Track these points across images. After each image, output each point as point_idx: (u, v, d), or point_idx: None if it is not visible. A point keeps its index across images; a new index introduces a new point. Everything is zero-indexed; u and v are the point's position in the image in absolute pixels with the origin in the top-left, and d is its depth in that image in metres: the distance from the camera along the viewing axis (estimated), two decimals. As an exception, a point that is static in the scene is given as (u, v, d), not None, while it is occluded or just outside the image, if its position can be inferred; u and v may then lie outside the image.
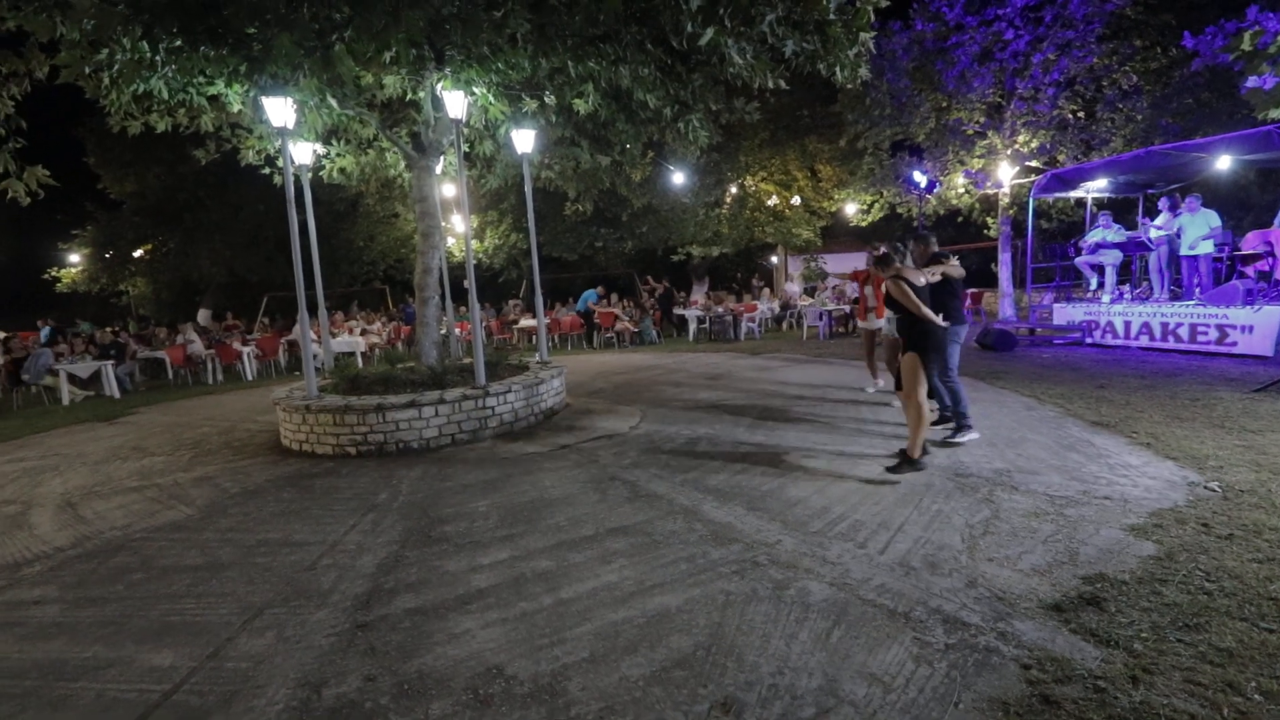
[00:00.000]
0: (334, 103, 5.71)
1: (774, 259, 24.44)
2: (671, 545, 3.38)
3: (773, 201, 19.69)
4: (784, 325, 16.92)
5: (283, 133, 5.58)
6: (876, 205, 16.77)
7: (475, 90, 5.90)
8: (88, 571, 3.53)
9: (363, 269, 22.91)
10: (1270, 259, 8.89)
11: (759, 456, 4.90)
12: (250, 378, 12.35)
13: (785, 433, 5.57)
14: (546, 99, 6.53)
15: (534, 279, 7.79)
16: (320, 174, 8.05)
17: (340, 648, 2.59)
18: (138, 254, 20.75)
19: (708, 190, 18.27)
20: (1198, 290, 9.41)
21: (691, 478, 4.48)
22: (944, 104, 13.00)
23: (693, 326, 15.53)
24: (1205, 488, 3.84)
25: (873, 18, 4.77)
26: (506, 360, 7.57)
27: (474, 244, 19.66)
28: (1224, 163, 9.54)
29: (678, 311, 16.57)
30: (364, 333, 14.60)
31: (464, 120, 6.24)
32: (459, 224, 18.65)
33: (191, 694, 2.35)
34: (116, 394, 10.65)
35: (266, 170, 7.82)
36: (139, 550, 3.79)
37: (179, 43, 4.79)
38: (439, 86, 5.83)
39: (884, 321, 7.14)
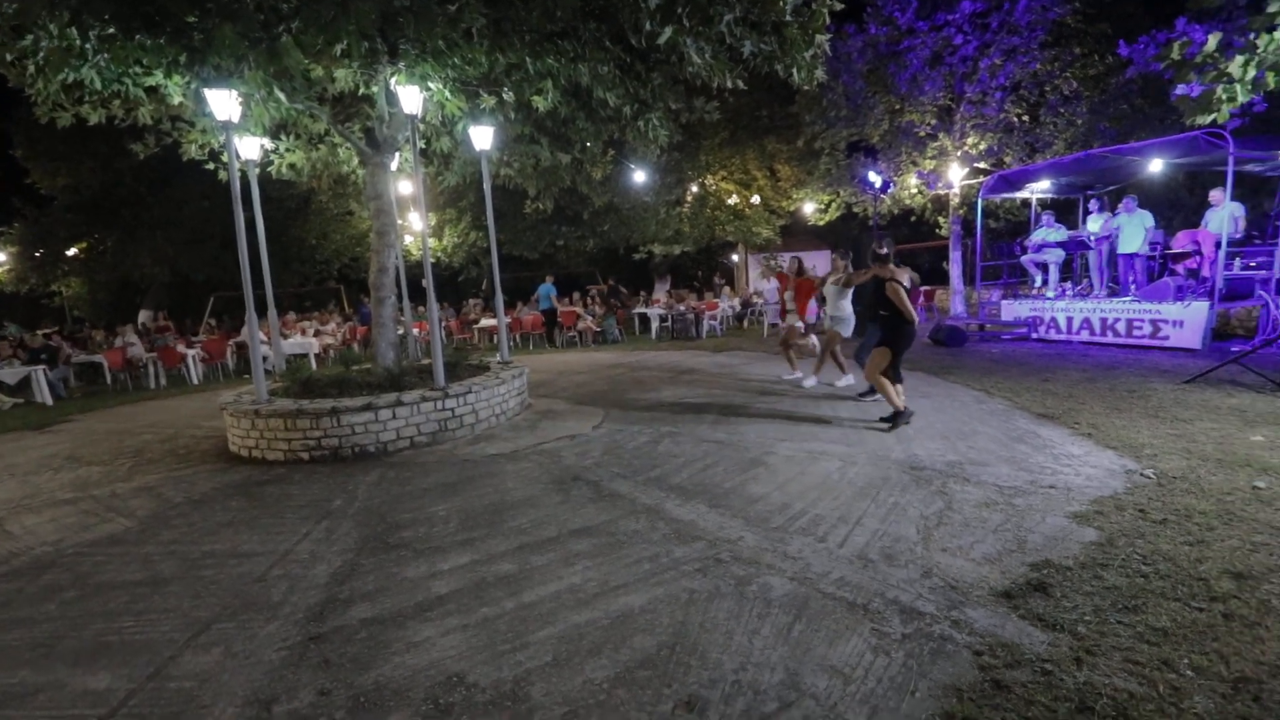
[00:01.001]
0: (282, 96, 5.50)
1: (734, 257, 24.70)
2: (635, 545, 3.38)
3: (733, 200, 19.89)
4: (745, 323, 17.12)
5: (227, 127, 5.35)
6: (833, 205, 17.12)
7: (431, 86, 5.76)
8: (14, 591, 3.32)
9: (315, 268, 22.21)
10: (1198, 258, 9.41)
11: (721, 454, 4.94)
12: (195, 381, 11.85)
13: (747, 430, 5.63)
14: (505, 96, 6.43)
15: (494, 278, 7.68)
16: (269, 169, 7.76)
17: (292, 662, 2.50)
18: (72, 252, 19.65)
19: (669, 189, 18.34)
20: (1133, 287, 9.90)
21: (654, 476, 4.48)
22: (897, 106, 13.34)
23: (655, 325, 15.59)
24: (1142, 475, 4.04)
25: (828, 20, 4.85)
26: (466, 361, 7.45)
27: (432, 242, 19.31)
28: (1156, 166, 10.06)
29: (640, 310, 16.60)
30: (317, 333, 14.16)
31: (420, 116, 6.09)
32: (416, 222, 18.26)
33: (130, 717, 2.23)
34: (49, 400, 10.07)
35: (211, 165, 7.49)
36: (72, 567, 3.58)
37: (111, 30, 4.54)
38: (393, 81, 5.68)
39: (804, 318, 7.75)
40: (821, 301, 7.67)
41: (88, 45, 4.63)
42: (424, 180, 10.98)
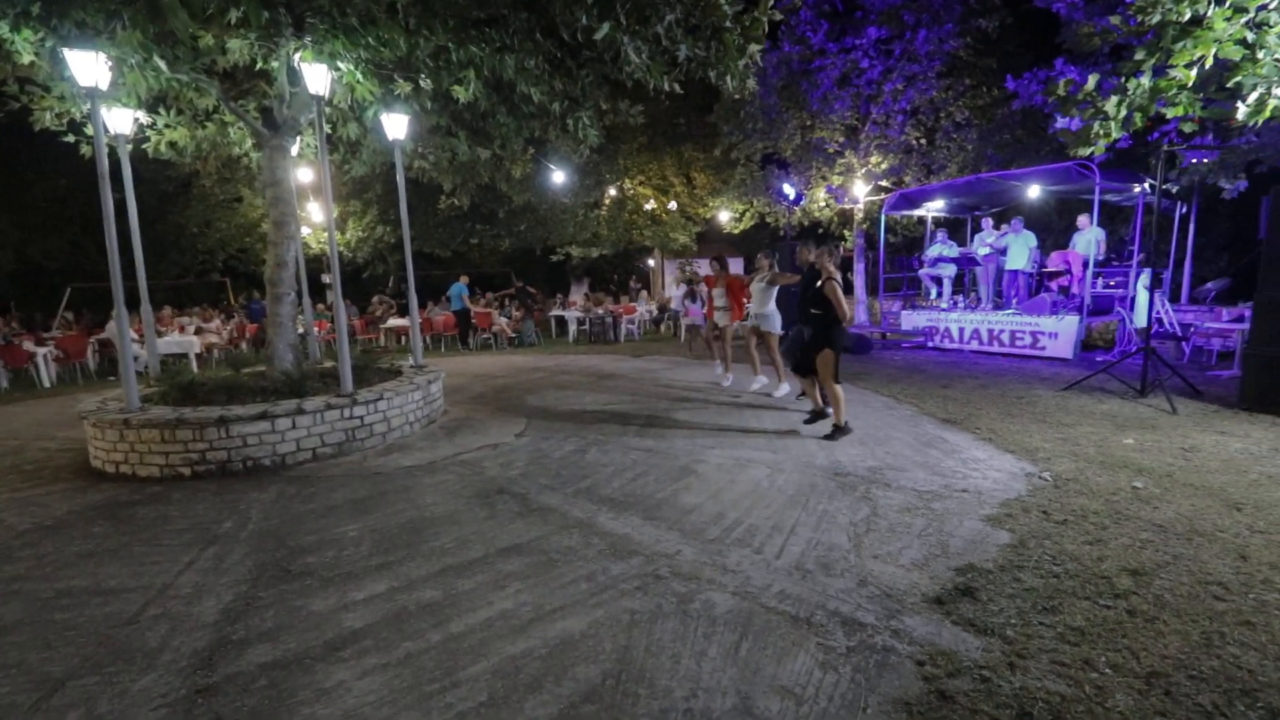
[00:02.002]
0: (162, 64, 4.86)
1: (650, 262, 24.92)
2: (569, 563, 3.21)
3: (650, 205, 20.05)
4: (661, 327, 17.25)
5: (93, 95, 4.65)
6: (748, 214, 17.63)
7: (341, 66, 5.30)
8: None
9: (197, 258, 20.22)
10: (1069, 276, 10.45)
11: (651, 462, 4.85)
12: (48, 384, 10.36)
13: (674, 437, 5.59)
14: (422, 83, 6.05)
15: (408, 275, 7.22)
16: (144, 147, 6.88)
17: (175, 720, 2.14)
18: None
19: (587, 191, 18.21)
20: (1015, 301, 10.84)
21: (584, 487, 4.33)
22: (808, 123, 13.91)
23: (573, 328, 15.38)
24: (1039, 477, 4.34)
25: (766, 29, 4.91)
26: (375, 364, 6.94)
27: (335, 235, 18.06)
28: (1034, 191, 11.08)
29: (558, 313, 16.32)
30: (199, 331, 12.82)
31: (327, 99, 5.61)
32: (316, 213, 17.07)
33: (-43, 807, 1.81)
34: None
35: (71, 138, 6.54)
36: (-122, 614, 2.94)
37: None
38: (297, 57, 5.18)
39: (727, 317, 8.07)
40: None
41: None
42: (329, 169, 10.23)
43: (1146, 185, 9.63)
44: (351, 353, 6.65)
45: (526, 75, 5.79)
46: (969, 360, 9.92)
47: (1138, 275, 9.83)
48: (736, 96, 5.68)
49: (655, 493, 4.19)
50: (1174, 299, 11.09)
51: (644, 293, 20.78)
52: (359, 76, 5.50)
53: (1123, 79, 5.70)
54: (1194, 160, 9.30)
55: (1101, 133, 5.70)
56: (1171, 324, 10.08)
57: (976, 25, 11.89)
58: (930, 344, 11.46)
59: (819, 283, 5.32)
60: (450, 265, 21.39)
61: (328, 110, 6.62)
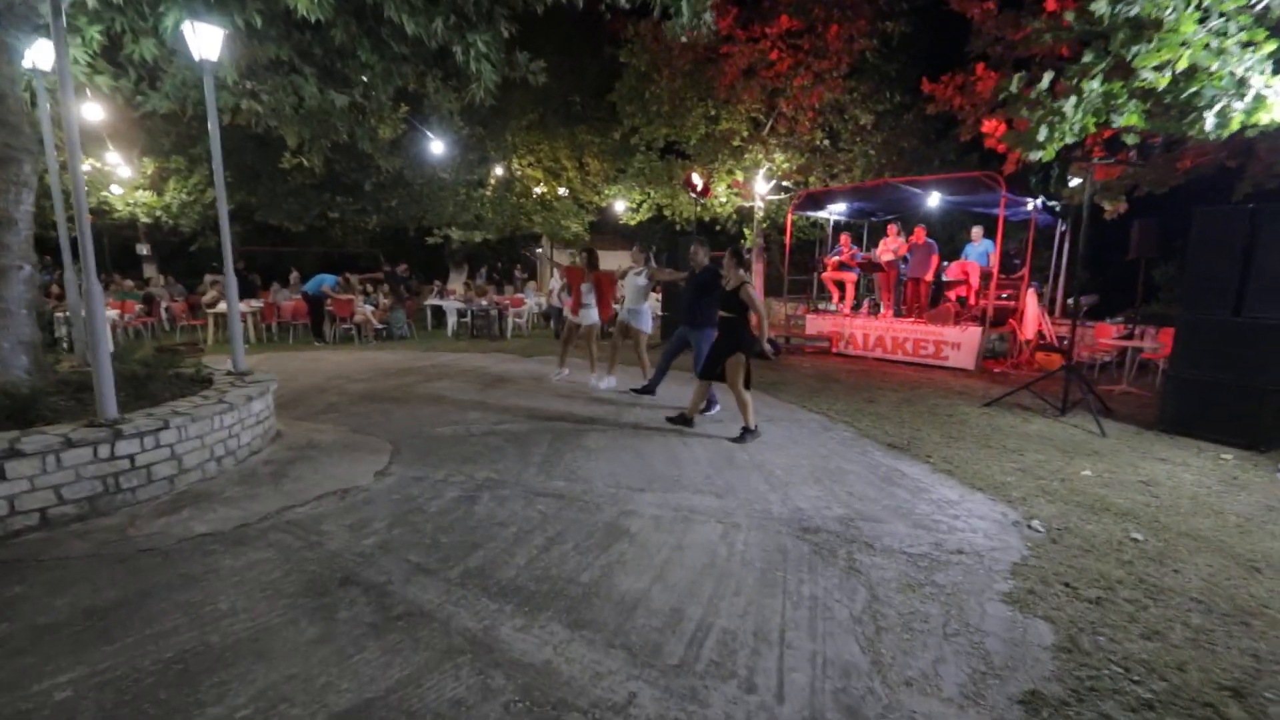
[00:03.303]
0: None
1: (539, 250, 23.36)
2: (458, 739, 1.95)
3: (540, 189, 18.51)
4: (552, 322, 15.87)
5: None
6: (645, 205, 16.71)
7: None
8: None
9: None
10: (966, 286, 10.53)
11: (566, 517, 3.64)
12: None
13: (590, 474, 4.40)
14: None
15: (224, 244, 5.38)
16: None
17: None
18: None
19: (470, 167, 16.33)
20: (916, 310, 10.78)
21: (475, 566, 3.03)
22: (713, 113, 13.20)
23: (452, 320, 13.58)
24: (1030, 528, 3.69)
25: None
26: (176, 368, 5.06)
27: (147, 196, 14.74)
28: (934, 200, 11.08)
29: (434, 302, 14.43)
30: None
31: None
32: (124, 167, 13.83)
33: None
34: None
35: None
36: None
37: None
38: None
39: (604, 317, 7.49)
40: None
41: None
42: (114, 102, 7.77)
43: (1039, 201, 9.84)
44: (134, 354, 4.80)
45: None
46: (877, 369, 9.63)
47: (1028, 288, 10.06)
48: (684, 37, 4.59)
49: (579, 573, 2.99)
50: (1049, 312, 11.61)
51: (531, 283, 19.21)
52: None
53: (1075, 81, 5.29)
54: (1075, 183, 9.60)
55: (1057, 136, 5.28)
56: (1050, 337, 10.48)
57: (884, 27, 11.73)
58: (834, 350, 11.16)
59: (735, 287, 5.18)
60: (304, 241, 18.52)
61: (98, 8, 4.63)
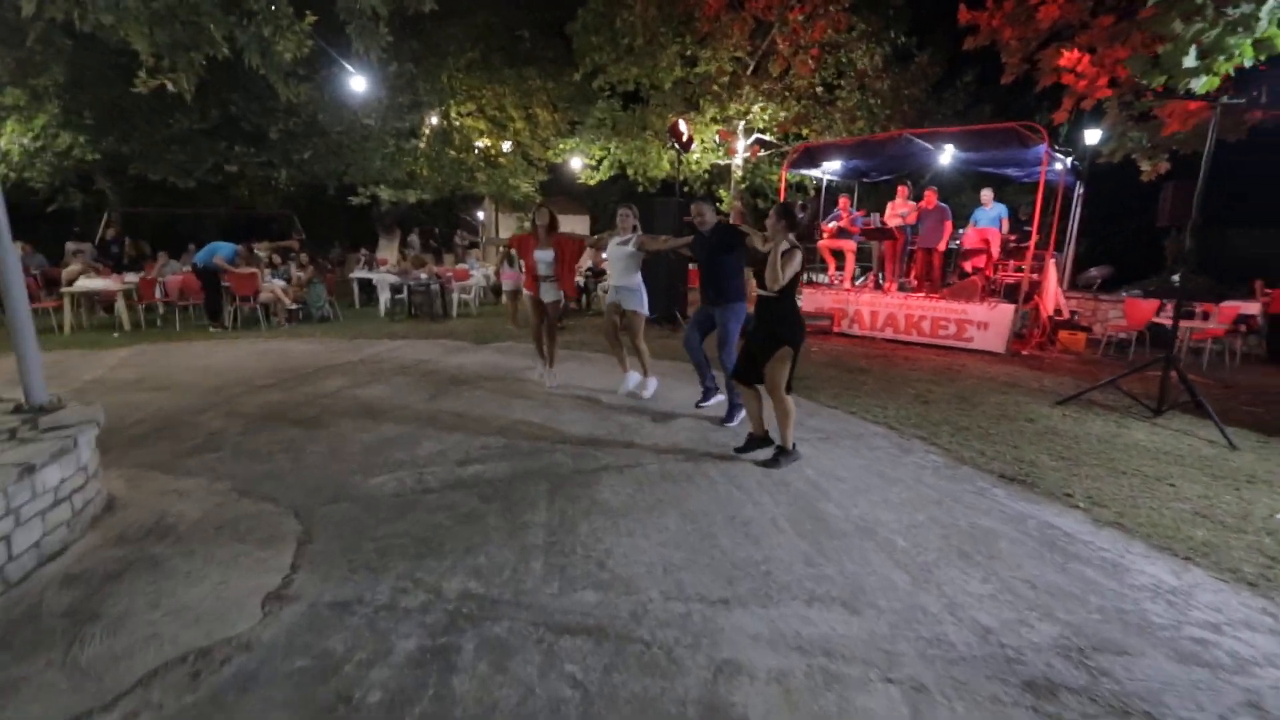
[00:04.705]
0: None
1: (480, 214, 21.04)
2: None
3: (483, 143, 16.22)
4: (504, 297, 13.91)
5: None
6: (606, 162, 14.81)
7: None
8: None
9: None
10: (985, 256, 9.36)
11: (624, 691, 2.04)
12: None
13: (630, 564, 2.79)
14: None
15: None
16: None
17: None
18: None
19: (399, 113, 13.92)
20: (929, 285, 9.55)
21: None
22: (689, 52, 11.41)
23: (385, 297, 11.45)
24: (1338, 647, 2.37)
25: None
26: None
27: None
28: (946, 158, 9.78)
29: (363, 275, 12.23)
30: None
31: None
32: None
33: None
34: None
35: None
36: None
37: None
38: None
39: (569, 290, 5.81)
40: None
41: None
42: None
43: (1070, 161, 8.70)
44: None
45: None
46: (894, 354, 8.36)
47: (1050, 258, 8.99)
48: None
49: None
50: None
51: (474, 251, 17.02)
52: None
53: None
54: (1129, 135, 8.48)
55: (1226, 58, 3.90)
56: (1065, 312, 9.52)
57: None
58: (835, 329, 9.85)
59: (776, 250, 3.83)
60: (197, 200, 15.63)
61: None
